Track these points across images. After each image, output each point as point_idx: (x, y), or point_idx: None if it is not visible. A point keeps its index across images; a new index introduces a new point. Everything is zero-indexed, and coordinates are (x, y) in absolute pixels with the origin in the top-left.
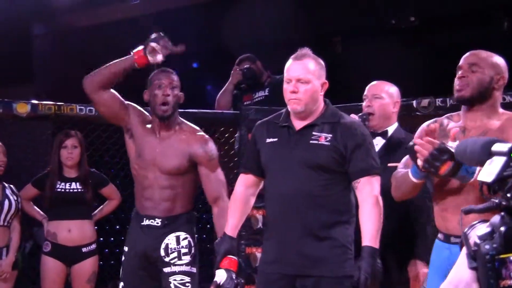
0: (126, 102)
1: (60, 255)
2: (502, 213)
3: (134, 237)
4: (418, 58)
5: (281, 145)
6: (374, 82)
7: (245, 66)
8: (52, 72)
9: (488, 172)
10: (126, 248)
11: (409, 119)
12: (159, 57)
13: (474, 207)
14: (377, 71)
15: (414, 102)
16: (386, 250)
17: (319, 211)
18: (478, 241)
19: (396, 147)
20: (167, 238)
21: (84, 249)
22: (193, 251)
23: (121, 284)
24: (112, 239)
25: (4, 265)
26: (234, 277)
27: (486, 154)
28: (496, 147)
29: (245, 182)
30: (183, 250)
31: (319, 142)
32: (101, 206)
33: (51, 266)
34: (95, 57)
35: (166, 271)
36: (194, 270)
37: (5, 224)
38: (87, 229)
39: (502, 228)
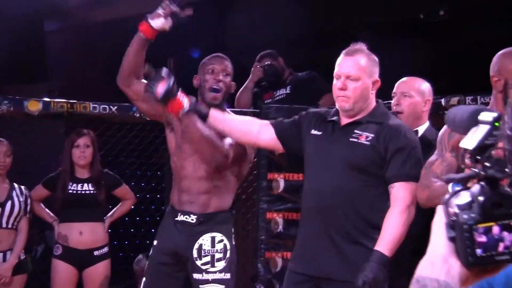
0: None
1: (71, 258)
2: (482, 183)
3: (166, 232)
4: (448, 54)
5: (324, 139)
6: (404, 79)
7: (266, 63)
8: (65, 69)
9: (471, 139)
10: (155, 242)
11: (438, 118)
12: (162, 21)
13: (455, 176)
14: (403, 67)
15: (443, 100)
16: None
17: (353, 213)
18: (457, 210)
19: (427, 148)
20: (201, 238)
21: (96, 253)
22: (228, 255)
23: (143, 278)
24: (126, 242)
25: (2, 268)
26: (169, 81)
27: (473, 122)
28: (483, 116)
29: (264, 125)
30: (217, 255)
31: (359, 141)
32: (115, 208)
33: (62, 270)
34: (109, 54)
35: (197, 278)
36: (228, 276)
37: (10, 226)
38: (99, 232)
39: (481, 198)
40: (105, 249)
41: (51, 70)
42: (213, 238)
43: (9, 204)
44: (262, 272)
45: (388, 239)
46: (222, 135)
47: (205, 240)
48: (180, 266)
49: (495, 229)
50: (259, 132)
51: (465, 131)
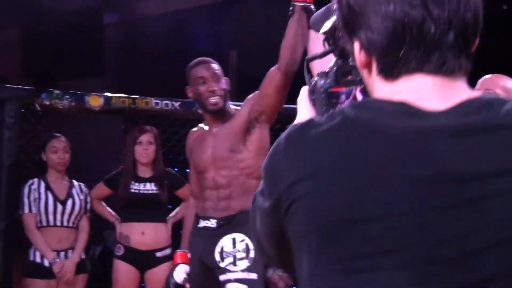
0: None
1: (133, 259)
2: (337, 57)
3: (192, 241)
4: None
5: None
6: (488, 76)
7: None
8: (123, 63)
9: (327, 24)
10: (189, 255)
11: None
12: None
13: (316, 54)
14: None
15: None
16: None
17: None
18: (316, 78)
19: None
20: (222, 240)
21: (158, 254)
22: (252, 255)
23: None
24: None
25: (66, 265)
26: None
27: (329, 13)
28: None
29: None
30: (239, 255)
31: None
32: (177, 208)
33: (123, 271)
34: (168, 48)
35: (222, 279)
36: (252, 276)
37: (70, 225)
38: (162, 233)
39: (334, 68)
40: (168, 251)
41: (108, 64)
42: (234, 239)
43: (70, 202)
44: None
45: None
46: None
47: (226, 242)
48: (211, 273)
49: (344, 92)
50: None
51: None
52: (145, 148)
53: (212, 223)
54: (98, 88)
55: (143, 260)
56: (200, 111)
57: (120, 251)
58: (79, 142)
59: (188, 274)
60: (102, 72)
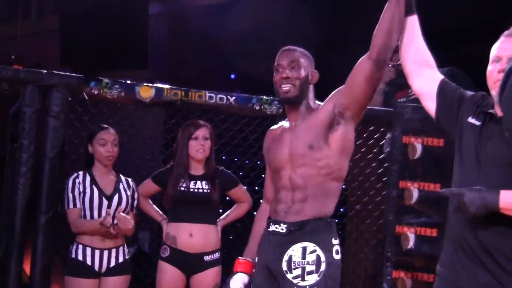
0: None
1: (179, 262)
2: None
3: (261, 245)
4: None
5: (479, 133)
6: None
7: (398, 62)
8: (167, 55)
9: None
10: (257, 259)
11: None
12: None
13: None
14: None
15: None
16: None
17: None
18: None
19: None
20: (291, 248)
21: (206, 258)
22: (323, 268)
23: None
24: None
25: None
26: None
27: None
28: None
29: (434, 71)
30: (309, 268)
31: None
32: (229, 210)
33: (169, 274)
34: (214, 40)
35: None
36: None
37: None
38: (211, 235)
39: None
40: (217, 255)
41: (151, 56)
42: (304, 249)
43: (116, 197)
44: None
45: None
46: None
47: (295, 251)
48: (275, 282)
49: None
50: (425, 72)
51: None
52: (201, 143)
53: (282, 227)
54: (140, 80)
55: (190, 263)
56: (256, 107)
57: (166, 253)
58: (129, 136)
59: (246, 285)
60: (145, 63)
